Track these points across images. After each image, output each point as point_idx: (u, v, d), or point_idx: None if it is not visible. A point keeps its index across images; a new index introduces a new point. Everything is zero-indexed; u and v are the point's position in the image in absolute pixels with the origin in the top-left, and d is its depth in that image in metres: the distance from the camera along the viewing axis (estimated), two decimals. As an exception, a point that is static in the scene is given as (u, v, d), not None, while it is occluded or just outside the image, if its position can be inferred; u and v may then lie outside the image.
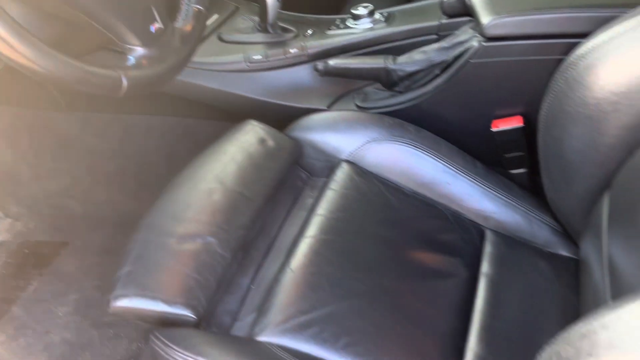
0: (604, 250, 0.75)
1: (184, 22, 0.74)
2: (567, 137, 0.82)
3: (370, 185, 0.93)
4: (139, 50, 0.67)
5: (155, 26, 0.68)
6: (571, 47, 0.83)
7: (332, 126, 1.00)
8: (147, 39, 0.67)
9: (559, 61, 0.84)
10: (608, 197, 0.80)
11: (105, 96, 0.63)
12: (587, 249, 0.82)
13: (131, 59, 0.67)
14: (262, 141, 0.94)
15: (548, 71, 0.85)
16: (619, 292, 0.68)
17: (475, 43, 0.92)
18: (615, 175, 0.79)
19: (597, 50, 0.78)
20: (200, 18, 0.75)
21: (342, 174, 0.94)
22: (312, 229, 0.84)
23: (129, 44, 0.67)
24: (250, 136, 0.95)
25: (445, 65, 0.96)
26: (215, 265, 0.75)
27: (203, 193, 0.83)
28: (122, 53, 0.68)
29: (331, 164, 0.97)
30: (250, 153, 0.92)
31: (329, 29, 1.09)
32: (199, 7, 0.75)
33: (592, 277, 0.77)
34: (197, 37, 0.74)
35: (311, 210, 0.89)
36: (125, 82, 0.63)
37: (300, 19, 1.17)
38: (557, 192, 0.90)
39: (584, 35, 0.83)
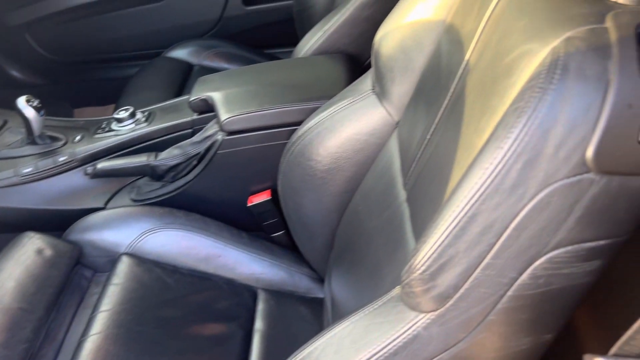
0: (330, 288, 0.95)
1: None
2: (299, 206, 1.02)
3: (150, 273, 1.04)
4: None
5: None
6: (291, 133, 1.03)
7: (108, 224, 1.10)
8: None
9: (285, 144, 1.03)
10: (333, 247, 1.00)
11: None
12: (325, 289, 1.02)
13: None
14: (39, 252, 1.01)
15: (280, 153, 1.05)
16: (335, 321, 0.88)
17: (219, 137, 1.08)
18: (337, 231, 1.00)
19: (305, 136, 0.98)
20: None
21: (122, 267, 1.04)
22: (96, 327, 0.93)
23: None
24: (27, 248, 1.01)
25: (200, 157, 1.11)
26: (-2, 386, 0.81)
27: (-19, 317, 0.88)
28: None
29: (113, 258, 1.07)
30: (28, 266, 0.98)
31: (97, 133, 1.19)
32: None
33: (327, 313, 0.96)
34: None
35: (95, 308, 0.97)
36: None
37: (68, 123, 1.26)
38: (305, 248, 1.09)
39: (299, 123, 1.04)
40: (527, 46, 0.51)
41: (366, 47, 1.24)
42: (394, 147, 0.87)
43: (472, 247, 0.47)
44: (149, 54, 1.87)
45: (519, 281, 0.47)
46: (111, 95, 1.98)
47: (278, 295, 1.10)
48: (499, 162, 0.45)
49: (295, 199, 1.02)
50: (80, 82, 1.95)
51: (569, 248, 0.46)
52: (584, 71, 0.44)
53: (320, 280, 1.13)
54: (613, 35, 0.45)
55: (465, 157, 0.57)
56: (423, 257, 0.49)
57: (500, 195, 0.45)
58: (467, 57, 0.67)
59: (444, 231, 0.48)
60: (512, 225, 0.46)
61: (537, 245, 0.46)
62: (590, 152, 0.43)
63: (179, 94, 1.58)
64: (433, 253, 0.48)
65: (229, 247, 1.10)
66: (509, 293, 0.48)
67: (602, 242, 0.46)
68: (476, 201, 0.46)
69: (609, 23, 0.47)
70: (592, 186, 0.44)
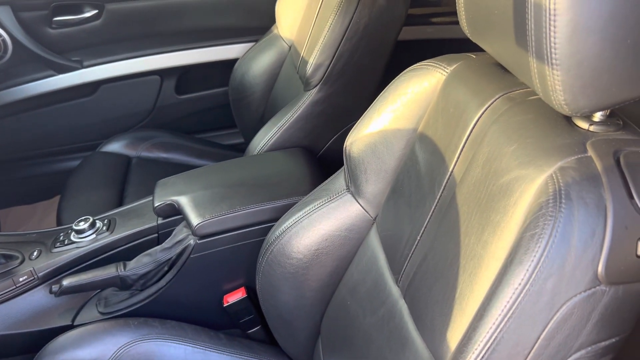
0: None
1: None
2: (279, 302, 1.04)
3: (131, 389, 1.01)
4: None
5: None
6: (267, 230, 1.06)
7: (80, 343, 1.05)
8: None
9: (261, 241, 1.06)
10: (320, 339, 1.03)
11: None
12: (316, 383, 1.04)
13: None
14: (11, 385, 0.96)
15: (255, 250, 1.07)
16: None
17: (191, 241, 1.09)
18: (321, 324, 1.03)
19: (283, 236, 1.01)
20: None
21: (102, 387, 1.00)
22: None
23: None
24: (-3, 384, 0.95)
25: (172, 262, 1.11)
26: None
27: None
28: None
29: (89, 379, 1.03)
30: (2, 404, 0.92)
31: (55, 247, 1.15)
32: None
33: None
34: None
35: None
36: None
37: (20, 238, 1.21)
38: (286, 342, 1.11)
39: (271, 220, 1.08)
40: (523, 171, 0.59)
41: (319, 139, 1.32)
42: (374, 242, 0.93)
43: None
44: (80, 147, 1.84)
45: (550, 382, 0.54)
46: (38, 193, 1.91)
47: (262, 392, 1.11)
48: (527, 282, 0.52)
49: (277, 296, 1.04)
50: (4, 181, 1.86)
51: (589, 349, 0.54)
52: (584, 199, 0.53)
53: (303, 372, 1.15)
54: (598, 164, 0.55)
55: (472, 266, 0.64)
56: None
57: (530, 310, 0.53)
58: (450, 168, 0.75)
59: (483, 347, 0.54)
60: (542, 335, 0.53)
61: (563, 350, 0.53)
62: (600, 269, 0.52)
63: (122, 189, 1.57)
64: (476, 367, 0.54)
65: (209, 351, 1.10)
66: (542, 393, 0.55)
67: (613, 340, 0.55)
68: (510, 317, 0.53)
69: (590, 152, 0.57)
70: (604, 296, 0.52)
